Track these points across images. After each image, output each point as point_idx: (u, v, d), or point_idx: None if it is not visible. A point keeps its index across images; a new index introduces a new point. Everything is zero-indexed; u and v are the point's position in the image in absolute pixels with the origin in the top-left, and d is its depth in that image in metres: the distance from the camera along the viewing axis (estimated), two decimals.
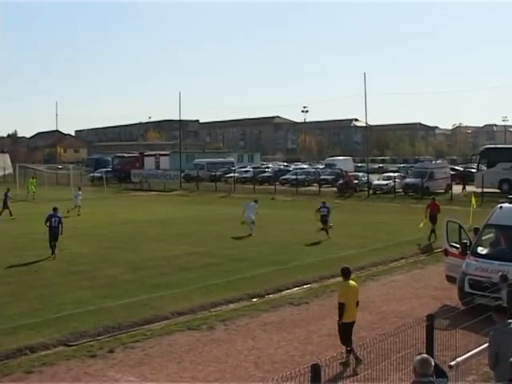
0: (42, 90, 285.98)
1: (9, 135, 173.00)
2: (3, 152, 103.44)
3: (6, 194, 40.71)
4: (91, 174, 75.11)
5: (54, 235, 24.56)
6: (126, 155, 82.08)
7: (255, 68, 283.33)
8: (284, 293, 18.82)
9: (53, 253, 24.26)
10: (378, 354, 9.36)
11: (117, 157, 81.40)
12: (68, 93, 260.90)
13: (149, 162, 78.78)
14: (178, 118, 76.59)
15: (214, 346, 13.59)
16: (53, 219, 24.88)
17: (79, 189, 45.28)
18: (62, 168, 72.59)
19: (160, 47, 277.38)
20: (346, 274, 12.68)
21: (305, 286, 19.39)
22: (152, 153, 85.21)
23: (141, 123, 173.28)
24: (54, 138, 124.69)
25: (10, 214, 38.68)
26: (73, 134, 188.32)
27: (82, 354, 13.04)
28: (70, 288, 18.77)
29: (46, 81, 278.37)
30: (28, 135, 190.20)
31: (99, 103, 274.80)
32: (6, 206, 39.86)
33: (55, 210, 25.63)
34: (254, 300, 17.95)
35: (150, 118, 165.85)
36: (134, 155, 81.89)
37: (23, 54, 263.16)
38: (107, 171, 72.30)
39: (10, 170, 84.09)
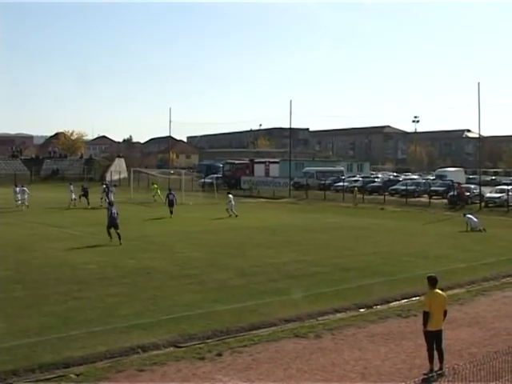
0: (156, 97, 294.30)
1: (124, 140, 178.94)
2: (119, 156, 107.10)
3: (107, 187, 44.57)
4: (202, 180, 76.50)
5: (113, 224, 29.35)
6: (236, 162, 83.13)
7: (365, 77, 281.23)
8: (392, 304, 18.58)
9: (119, 239, 28.82)
10: (489, 371, 9.11)
11: (227, 163, 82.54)
12: (181, 99, 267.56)
13: (259, 169, 79.53)
14: (288, 126, 77.09)
15: (320, 354, 13.58)
16: (112, 211, 29.67)
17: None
18: (173, 173, 74.30)
19: (272, 56, 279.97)
20: (432, 282, 12.59)
21: (413, 299, 19.03)
22: (262, 160, 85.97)
23: (251, 130, 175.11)
24: (166, 143, 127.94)
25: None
26: (185, 140, 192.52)
27: (192, 355, 13.33)
28: (180, 290, 19.23)
29: (159, 88, 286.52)
30: (142, 141, 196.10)
31: (211, 110, 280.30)
32: (85, 196, 47.14)
33: (111, 204, 31.19)
34: (362, 310, 17.81)
35: (260, 125, 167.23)
36: (244, 162, 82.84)
37: (138, 64, 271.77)
38: (218, 177, 73.45)
39: (125, 174, 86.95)
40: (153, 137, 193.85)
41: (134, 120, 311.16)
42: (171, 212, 43.02)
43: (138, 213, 44.41)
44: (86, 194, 50.54)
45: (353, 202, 55.48)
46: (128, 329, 15.00)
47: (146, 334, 14.59)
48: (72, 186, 50.80)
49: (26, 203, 47.96)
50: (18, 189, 48.79)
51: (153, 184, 61.44)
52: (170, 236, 32.16)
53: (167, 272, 22.32)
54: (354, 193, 57.50)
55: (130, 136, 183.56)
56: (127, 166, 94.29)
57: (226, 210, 43.28)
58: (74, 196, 50.09)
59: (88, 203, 49.03)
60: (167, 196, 44.64)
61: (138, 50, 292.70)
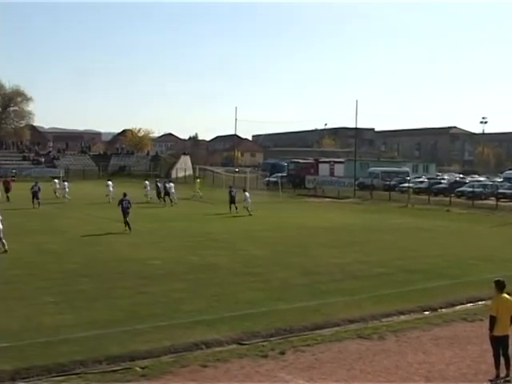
0: (222, 95, 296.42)
1: (190, 138, 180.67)
2: (185, 154, 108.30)
3: (164, 184, 46.24)
4: (267, 179, 76.67)
5: (125, 214, 31.94)
6: (301, 161, 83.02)
7: (432, 77, 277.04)
8: (457, 308, 18.26)
9: (129, 228, 31.69)
10: None
11: (292, 162, 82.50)
12: (247, 98, 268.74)
13: (323, 169, 79.26)
14: (353, 126, 76.50)
15: (384, 356, 13.46)
16: (124, 202, 32.37)
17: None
18: (238, 171, 74.71)
19: (339, 55, 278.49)
20: (499, 286, 12.32)
21: (479, 303, 18.67)
22: (327, 160, 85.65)
23: (316, 130, 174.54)
24: (232, 141, 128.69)
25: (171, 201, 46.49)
26: (250, 138, 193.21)
27: (254, 353, 13.38)
28: (243, 288, 19.33)
29: (226, 87, 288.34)
30: (208, 138, 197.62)
31: (277, 109, 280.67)
32: (166, 194, 48.52)
33: (125, 195, 33.33)
34: (426, 313, 17.55)
35: (325, 124, 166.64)
36: (309, 161, 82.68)
37: (206, 63, 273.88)
38: (282, 176, 73.50)
39: (190, 172, 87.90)
40: (218, 135, 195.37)
41: (200, 118, 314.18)
42: (236, 208, 43.88)
43: (201, 209, 44.86)
44: (167, 193, 50.94)
45: (407, 203, 54.86)
46: (192, 324, 15.16)
47: (209, 331, 14.72)
48: (147, 182, 52.06)
49: (67, 196, 50.43)
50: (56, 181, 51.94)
51: (196, 178, 62.20)
52: (234, 233, 32.35)
53: (230, 269, 22.46)
54: (408, 193, 56.95)
55: (196, 134, 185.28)
56: (192, 164, 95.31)
57: (245, 208, 43.29)
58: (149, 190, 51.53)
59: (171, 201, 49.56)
60: (229, 193, 45.06)
61: (206, 50, 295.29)
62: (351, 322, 16.10)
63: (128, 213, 32.31)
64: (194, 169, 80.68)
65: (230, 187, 46.99)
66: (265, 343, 14.12)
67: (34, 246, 26.90)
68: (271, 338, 14.47)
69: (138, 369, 12.29)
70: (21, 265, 22.38)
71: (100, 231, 32.16)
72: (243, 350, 13.66)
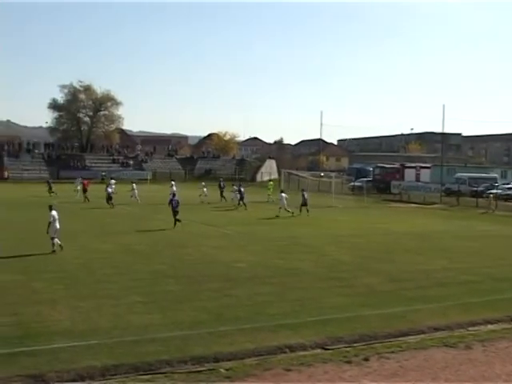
0: (307, 99, 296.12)
1: (275, 142, 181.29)
2: (270, 158, 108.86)
3: (239, 187, 47.02)
4: (352, 183, 76.25)
5: (174, 212, 35.00)
6: (386, 166, 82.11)
7: None
8: None
9: (178, 222, 34.75)
10: None
11: (378, 167, 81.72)
12: (332, 103, 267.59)
13: (409, 174, 78.12)
14: (440, 131, 75.03)
15: (470, 366, 13.16)
16: (173, 202, 35.53)
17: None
18: (323, 176, 74.48)
19: (426, 60, 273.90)
20: None
21: None
22: (413, 165, 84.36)
23: (402, 134, 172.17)
24: (317, 146, 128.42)
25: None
26: (335, 142, 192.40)
27: (338, 358, 13.33)
28: (328, 293, 19.26)
29: (310, 91, 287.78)
30: (293, 143, 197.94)
31: (363, 113, 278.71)
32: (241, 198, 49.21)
33: (174, 195, 37.16)
34: None
35: (412, 129, 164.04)
36: (394, 166, 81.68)
37: (292, 68, 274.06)
38: (368, 181, 72.94)
39: (275, 175, 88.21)
40: (303, 139, 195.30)
41: (286, 122, 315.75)
42: (307, 210, 45.18)
43: (285, 214, 44.89)
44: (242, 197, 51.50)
45: (488, 209, 53.47)
46: (276, 328, 15.22)
47: (293, 335, 14.75)
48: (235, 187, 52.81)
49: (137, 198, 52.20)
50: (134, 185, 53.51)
51: (269, 181, 62.42)
52: (319, 238, 32.29)
53: (315, 274, 22.43)
54: (490, 199, 55.52)
55: (281, 138, 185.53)
56: (278, 168, 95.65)
57: (285, 209, 43.92)
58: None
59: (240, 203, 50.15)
60: (302, 196, 46.02)
61: (295, 54, 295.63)
62: (437, 329, 15.81)
63: (177, 211, 35.19)
64: (279, 173, 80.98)
65: (303, 190, 47.48)
66: (349, 349, 14.04)
67: (122, 246, 27.61)
68: (355, 344, 14.37)
69: (222, 370, 12.44)
70: (111, 264, 23.03)
71: (186, 233, 32.69)
72: (327, 354, 13.62)
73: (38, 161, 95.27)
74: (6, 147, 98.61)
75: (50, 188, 59.29)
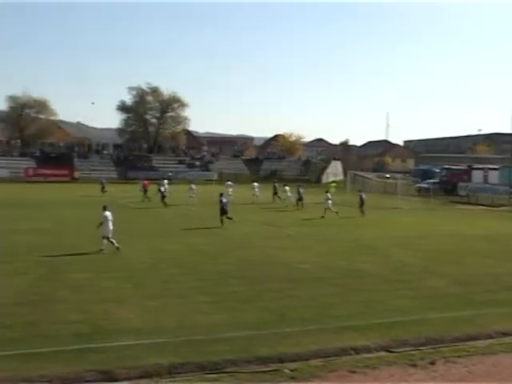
0: (373, 100, 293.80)
1: (341, 143, 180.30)
2: (335, 159, 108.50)
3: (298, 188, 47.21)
4: (418, 185, 75.28)
5: (223, 211, 36.00)
6: (453, 167, 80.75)
7: None
8: None
9: (222, 222, 35.69)
10: None
11: (444, 168, 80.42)
12: (398, 104, 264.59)
13: (477, 176, 76.55)
14: (509, 132, 73.28)
15: None
16: (223, 201, 36.25)
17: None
18: (389, 177, 73.80)
19: (491, 59, 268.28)
20: None
21: None
22: (480, 166, 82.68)
23: (470, 136, 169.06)
24: (383, 147, 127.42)
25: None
26: (401, 144, 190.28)
27: (404, 361, 13.23)
28: (392, 295, 19.09)
29: (376, 92, 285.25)
30: (359, 144, 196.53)
31: (430, 114, 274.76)
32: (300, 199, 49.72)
33: (222, 195, 37.16)
34: None
35: (479, 130, 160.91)
36: (461, 168, 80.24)
37: (353, 68, 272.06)
38: (434, 182, 71.90)
39: (340, 177, 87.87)
40: (369, 140, 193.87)
41: (351, 123, 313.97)
42: (362, 212, 45.42)
43: (352, 215, 44.67)
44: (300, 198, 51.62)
45: None
46: (340, 329, 15.19)
47: (358, 336, 14.70)
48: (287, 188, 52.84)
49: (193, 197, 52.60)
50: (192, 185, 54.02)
51: (332, 182, 62.09)
52: (384, 240, 32.01)
53: (380, 276, 22.27)
54: None
55: (347, 139, 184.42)
56: (343, 169, 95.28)
57: (328, 209, 44.00)
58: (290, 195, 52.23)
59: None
60: (360, 196, 46.48)
61: (359, 54, 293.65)
62: (505, 334, 15.50)
63: (226, 210, 36.15)
64: (344, 174, 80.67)
65: (360, 191, 47.82)
66: (414, 352, 13.92)
67: (188, 246, 27.95)
68: (421, 347, 14.24)
69: (287, 371, 12.50)
70: (177, 264, 23.36)
71: (250, 234, 32.89)
72: (392, 357, 13.55)
73: (107, 161, 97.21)
74: (76, 148, 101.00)
75: (103, 187, 60.76)
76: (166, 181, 56.81)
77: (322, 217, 42.75)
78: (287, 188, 52.95)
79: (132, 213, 43.25)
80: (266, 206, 51.69)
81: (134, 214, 42.83)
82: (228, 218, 36.22)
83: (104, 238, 25.66)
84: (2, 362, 12.30)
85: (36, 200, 53.11)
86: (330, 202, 44.16)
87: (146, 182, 56.03)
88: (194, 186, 53.11)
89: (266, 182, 77.89)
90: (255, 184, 58.23)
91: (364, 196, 46.10)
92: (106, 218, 25.74)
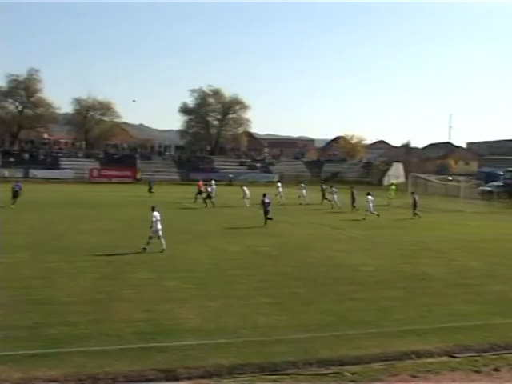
0: (435, 102, 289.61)
1: (402, 145, 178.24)
2: (397, 161, 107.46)
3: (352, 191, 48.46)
4: (481, 188, 73.92)
5: (266, 212, 37.01)
6: None
7: None
8: None
9: (269, 219, 36.80)
10: None
11: (509, 171, 78.82)
12: (462, 105, 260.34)
13: None
14: None
15: None
16: (266, 202, 37.35)
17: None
18: (452, 180, 72.61)
19: None
20: None
21: None
22: None
23: None
24: (445, 149, 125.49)
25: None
26: (464, 146, 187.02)
27: (467, 367, 13.04)
28: (456, 300, 18.82)
29: (439, 95, 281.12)
30: (420, 146, 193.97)
31: (493, 116, 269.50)
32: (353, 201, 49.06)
33: (264, 195, 37.92)
34: None
35: None
36: None
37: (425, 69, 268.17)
38: (498, 185, 70.55)
39: (402, 179, 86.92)
40: (431, 142, 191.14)
41: (413, 125, 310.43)
42: (415, 214, 44.94)
43: (415, 218, 44.16)
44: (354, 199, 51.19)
45: None
46: (402, 333, 15.08)
47: (419, 341, 14.56)
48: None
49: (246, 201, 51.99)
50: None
51: (391, 185, 61.38)
52: (446, 243, 31.53)
53: (443, 279, 21.97)
54: None
55: (408, 141, 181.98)
56: (405, 171, 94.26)
57: (370, 212, 43.44)
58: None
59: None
60: (413, 199, 45.85)
61: (423, 56, 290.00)
62: None
63: (268, 210, 37.16)
64: (406, 177, 79.82)
65: (413, 193, 47.57)
66: (478, 358, 13.71)
67: (249, 247, 28.08)
68: (485, 353, 14.01)
69: (347, 374, 12.47)
70: (238, 265, 23.49)
71: (310, 236, 32.86)
72: (455, 363, 13.37)
73: (169, 163, 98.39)
74: (138, 150, 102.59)
75: (150, 188, 61.66)
76: (213, 181, 58.23)
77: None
78: (334, 189, 52.68)
79: (190, 213, 43.71)
80: (314, 207, 51.52)
81: (193, 214, 43.22)
82: (268, 218, 37.07)
83: (151, 238, 26.02)
84: (67, 359, 12.62)
85: (99, 200, 54.10)
86: (371, 204, 43.63)
87: (200, 183, 56.66)
88: (246, 189, 53.27)
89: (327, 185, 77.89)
90: (302, 185, 58.22)
91: (417, 198, 45.53)
92: (155, 217, 26.10)
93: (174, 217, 38.55)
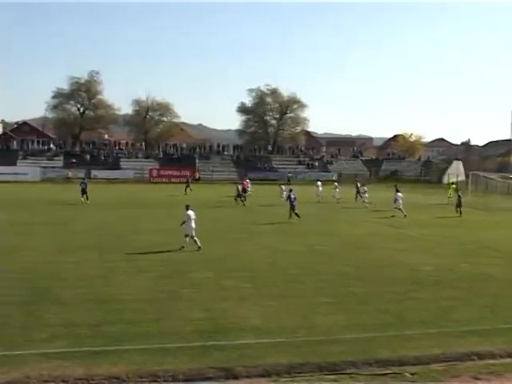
0: (496, 99, 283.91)
1: (462, 143, 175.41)
2: (457, 159, 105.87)
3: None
4: None
5: (292, 206, 38.65)
6: None
7: None
8: None
9: (290, 216, 38.27)
10: None
11: None
12: None
13: None
14: None
15: None
16: (292, 197, 38.95)
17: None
18: None
19: None
20: None
21: None
22: None
23: None
24: (506, 146, 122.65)
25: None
26: None
27: None
28: None
29: (499, 90, 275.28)
30: (481, 144, 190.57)
31: None
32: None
33: (291, 191, 40.40)
34: None
35: None
36: None
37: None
38: None
39: (462, 177, 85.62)
40: (492, 140, 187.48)
41: (473, 123, 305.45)
42: (460, 212, 44.84)
43: (473, 216, 43.50)
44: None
45: None
46: (463, 334, 14.84)
47: (481, 342, 14.31)
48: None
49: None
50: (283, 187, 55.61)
51: (451, 183, 60.47)
52: (507, 242, 30.88)
53: (505, 280, 21.53)
54: None
55: (469, 139, 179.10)
56: (465, 169, 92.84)
57: (398, 209, 43.20)
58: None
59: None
60: (458, 196, 46.11)
61: (482, 52, 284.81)
62: None
63: (294, 205, 38.52)
64: (466, 175, 78.60)
65: (456, 190, 47.12)
66: None
67: (307, 247, 28.05)
68: None
69: (407, 374, 12.35)
70: (297, 265, 23.46)
71: (368, 235, 32.65)
72: None
73: (227, 162, 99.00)
74: (197, 150, 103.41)
75: (188, 186, 62.93)
76: (248, 180, 61.26)
77: (393, 216, 42.36)
78: (365, 188, 52.54)
79: (240, 211, 43.87)
80: (351, 205, 51.63)
81: (243, 212, 43.34)
82: (295, 214, 38.43)
83: (186, 236, 26.19)
84: (127, 356, 12.81)
85: (158, 200, 54.74)
86: (400, 201, 42.99)
87: (245, 181, 57.30)
88: (284, 188, 54.16)
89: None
90: (336, 184, 58.87)
91: (462, 196, 45.12)
92: (188, 216, 26.27)
93: (223, 216, 38.90)
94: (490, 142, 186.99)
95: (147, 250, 26.08)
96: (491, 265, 24.32)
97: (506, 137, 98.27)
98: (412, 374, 12.34)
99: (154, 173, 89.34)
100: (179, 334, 14.42)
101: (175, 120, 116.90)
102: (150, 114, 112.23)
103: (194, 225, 26.37)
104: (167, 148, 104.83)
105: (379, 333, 14.77)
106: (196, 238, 26.25)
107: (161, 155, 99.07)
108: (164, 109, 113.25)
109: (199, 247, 26.04)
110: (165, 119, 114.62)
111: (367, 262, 24.50)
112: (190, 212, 26.56)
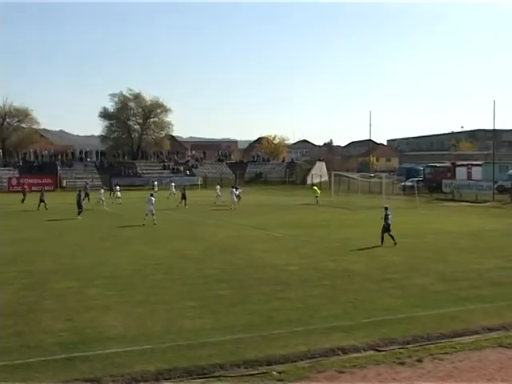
0: (357, 101, 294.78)
1: (325, 144, 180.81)
2: (320, 160, 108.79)
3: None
4: (402, 183, 75.65)
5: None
6: (437, 165, 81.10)
7: None
8: None
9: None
10: None
11: (428, 166, 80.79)
12: (381, 103, 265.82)
13: (460, 173, 77.04)
14: (491, 128, 73.38)
15: None
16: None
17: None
18: (374, 176, 73.98)
19: (474, 55, 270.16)
20: None
21: None
22: (464, 163, 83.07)
23: (452, 133, 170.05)
24: (367, 146, 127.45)
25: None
26: (385, 143, 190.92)
27: (391, 360, 13.22)
28: (380, 294, 19.12)
29: (359, 92, 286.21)
30: (342, 144, 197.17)
31: (413, 113, 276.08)
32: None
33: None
34: None
35: (462, 127, 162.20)
36: (445, 165, 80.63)
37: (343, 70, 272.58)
38: (418, 181, 72.22)
39: (325, 178, 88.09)
40: (353, 140, 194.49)
41: (335, 124, 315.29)
42: (392, 238, 45.02)
43: (337, 216, 44.78)
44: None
45: None
46: (328, 330, 15.18)
47: (345, 337, 14.69)
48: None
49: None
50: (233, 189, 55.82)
51: (312, 186, 62.90)
52: (370, 239, 31.96)
53: (367, 275, 22.30)
54: None
55: (331, 140, 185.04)
56: (328, 170, 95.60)
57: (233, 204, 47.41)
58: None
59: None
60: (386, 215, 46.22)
61: (340, 54, 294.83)
62: (491, 330, 15.53)
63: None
64: (329, 175, 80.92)
65: (386, 208, 49.15)
66: (402, 350, 13.92)
67: (174, 252, 27.86)
68: (408, 345, 14.24)
69: (274, 373, 12.46)
70: (163, 270, 23.25)
71: (236, 238, 32.86)
72: (380, 356, 13.54)
73: (91, 169, 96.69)
74: (59, 157, 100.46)
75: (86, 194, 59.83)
76: (173, 184, 63.49)
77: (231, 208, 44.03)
78: (234, 190, 54.70)
79: (112, 218, 43.11)
80: (219, 208, 52.52)
81: (115, 220, 42.63)
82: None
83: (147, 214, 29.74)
84: None
85: (22, 209, 52.75)
86: (234, 196, 50.68)
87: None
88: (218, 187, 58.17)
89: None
90: (218, 186, 61.43)
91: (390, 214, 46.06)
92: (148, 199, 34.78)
93: (97, 224, 37.96)
94: (352, 143, 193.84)
95: (7, 261, 25.02)
96: (353, 261, 25.12)
97: (366, 137, 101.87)
98: (279, 373, 12.46)
99: (14, 181, 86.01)
100: (42, 347, 13.87)
101: (35, 126, 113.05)
102: (8, 120, 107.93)
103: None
104: (27, 156, 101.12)
105: (247, 334, 14.85)
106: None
107: (20, 163, 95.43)
108: (22, 115, 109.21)
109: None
110: (24, 126, 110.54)
111: (234, 264, 24.62)
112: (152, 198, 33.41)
